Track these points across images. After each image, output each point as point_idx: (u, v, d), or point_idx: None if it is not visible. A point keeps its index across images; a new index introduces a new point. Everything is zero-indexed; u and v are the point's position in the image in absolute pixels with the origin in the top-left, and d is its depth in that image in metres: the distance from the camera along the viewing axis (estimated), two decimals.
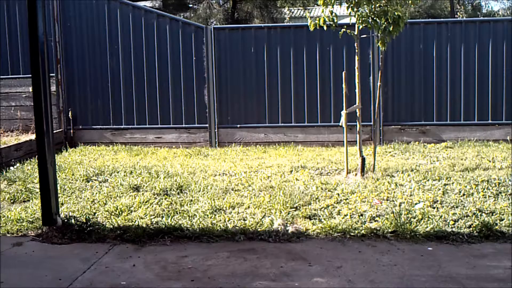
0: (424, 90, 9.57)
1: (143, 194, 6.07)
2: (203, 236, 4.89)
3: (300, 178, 6.70)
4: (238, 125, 9.79)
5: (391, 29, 6.34)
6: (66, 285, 3.97)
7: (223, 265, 4.29)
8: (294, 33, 9.71)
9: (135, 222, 5.19)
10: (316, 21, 6.64)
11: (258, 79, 9.75)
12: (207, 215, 5.35)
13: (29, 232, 5.15)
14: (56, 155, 6.37)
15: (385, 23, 6.35)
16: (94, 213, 5.48)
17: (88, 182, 6.76)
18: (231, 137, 9.82)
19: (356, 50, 6.83)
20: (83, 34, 9.94)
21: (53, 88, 9.44)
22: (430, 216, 5.12)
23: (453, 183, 6.23)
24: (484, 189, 5.94)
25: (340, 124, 6.84)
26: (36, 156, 5.19)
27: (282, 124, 9.74)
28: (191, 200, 5.85)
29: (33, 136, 8.52)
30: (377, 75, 9.14)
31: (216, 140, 9.81)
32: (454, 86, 9.51)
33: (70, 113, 9.94)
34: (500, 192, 5.84)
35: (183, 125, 9.86)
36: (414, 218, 5.10)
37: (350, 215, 5.24)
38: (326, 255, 4.45)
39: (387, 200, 5.70)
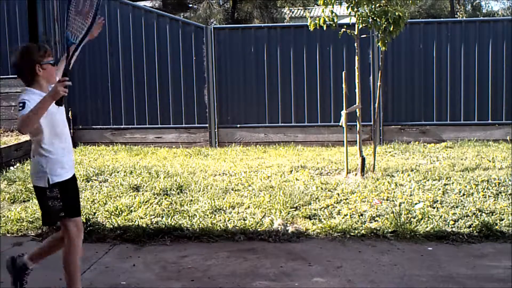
0: (424, 90, 9.57)
1: (143, 194, 6.07)
2: (203, 236, 4.89)
3: (300, 178, 6.70)
4: (238, 125, 9.78)
5: (391, 29, 6.34)
6: None
7: (223, 265, 4.29)
8: (294, 33, 9.71)
9: (135, 222, 5.19)
10: (316, 21, 6.64)
11: (258, 79, 9.75)
12: (207, 215, 5.35)
13: (29, 232, 5.16)
14: None
15: (385, 23, 6.35)
16: (94, 213, 5.48)
17: (88, 182, 6.76)
18: (231, 137, 9.81)
19: (356, 50, 6.83)
20: None
21: None
22: (430, 216, 5.12)
23: (453, 183, 6.23)
24: (484, 189, 5.94)
25: (340, 124, 6.84)
26: None
27: (282, 124, 9.74)
28: (191, 200, 5.85)
29: None
30: (377, 75, 9.13)
31: (216, 140, 9.80)
32: (454, 86, 9.51)
33: (70, 113, 9.92)
34: (500, 192, 5.84)
35: (183, 125, 9.85)
36: (414, 218, 5.10)
37: (350, 215, 5.23)
38: (326, 255, 4.46)
39: (387, 200, 5.69)
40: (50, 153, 3.38)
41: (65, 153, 3.47)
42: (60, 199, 3.40)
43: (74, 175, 3.58)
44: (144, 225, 5.08)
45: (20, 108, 3.18)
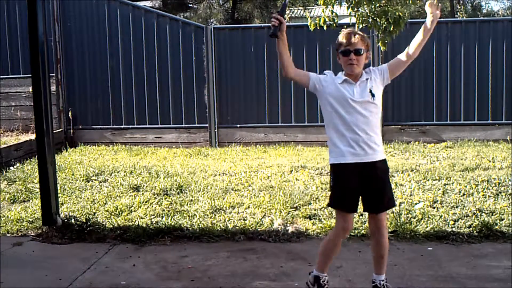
0: (424, 90, 9.57)
1: (143, 194, 6.07)
2: (203, 236, 4.89)
3: (300, 178, 6.70)
4: (238, 125, 9.78)
5: (391, 29, 6.33)
6: (66, 285, 3.97)
7: (223, 265, 4.29)
8: (294, 33, 9.70)
9: (135, 222, 5.19)
10: (316, 21, 6.64)
11: (258, 79, 9.75)
12: (207, 215, 5.35)
13: (29, 232, 5.16)
14: (56, 155, 6.37)
15: (385, 23, 6.35)
16: (94, 213, 5.49)
17: (88, 182, 6.76)
18: (231, 137, 9.81)
19: None
20: (83, 34, 9.94)
21: (53, 88, 9.42)
22: (430, 216, 5.12)
23: (453, 183, 6.23)
24: (484, 189, 5.94)
25: None
26: (36, 156, 5.19)
27: (282, 124, 9.74)
28: (191, 200, 5.85)
29: (33, 136, 8.52)
30: None
31: (216, 140, 9.80)
32: (454, 86, 9.51)
33: (70, 113, 9.93)
34: (500, 192, 5.83)
35: (183, 125, 9.85)
36: (414, 218, 5.10)
37: None
38: None
39: None
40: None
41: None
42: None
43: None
44: (144, 225, 5.09)
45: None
